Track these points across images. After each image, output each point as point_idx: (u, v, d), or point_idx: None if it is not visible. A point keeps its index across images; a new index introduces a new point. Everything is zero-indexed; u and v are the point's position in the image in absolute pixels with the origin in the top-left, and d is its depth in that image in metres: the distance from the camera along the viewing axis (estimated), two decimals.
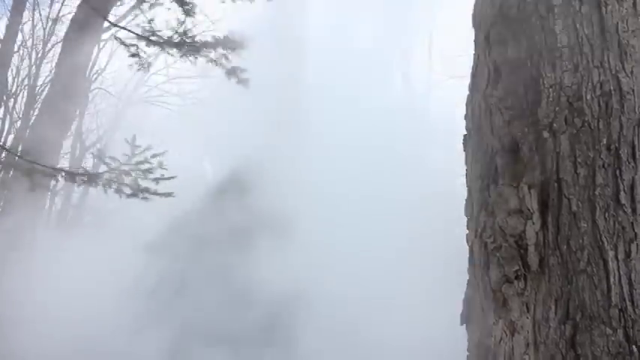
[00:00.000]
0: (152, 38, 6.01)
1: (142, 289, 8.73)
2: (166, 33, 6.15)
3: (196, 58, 6.30)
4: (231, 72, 6.30)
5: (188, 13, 5.98)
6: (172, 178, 6.22)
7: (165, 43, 6.06)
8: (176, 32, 6.02)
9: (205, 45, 6.11)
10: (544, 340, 1.34)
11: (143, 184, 6.08)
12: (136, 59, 6.28)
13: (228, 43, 6.14)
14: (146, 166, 6.03)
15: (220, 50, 6.19)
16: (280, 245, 8.41)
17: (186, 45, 6.04)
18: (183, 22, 6.03)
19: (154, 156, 6.10)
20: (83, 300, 7.86)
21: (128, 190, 6.06)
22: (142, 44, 6.16)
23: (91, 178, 6.05)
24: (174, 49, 6.14)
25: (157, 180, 6.11)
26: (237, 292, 8.30)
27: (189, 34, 6.08)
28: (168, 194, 6.24)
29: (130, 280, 8.72)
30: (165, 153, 6.25)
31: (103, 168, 6.25)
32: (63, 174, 6.05)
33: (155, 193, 6.15)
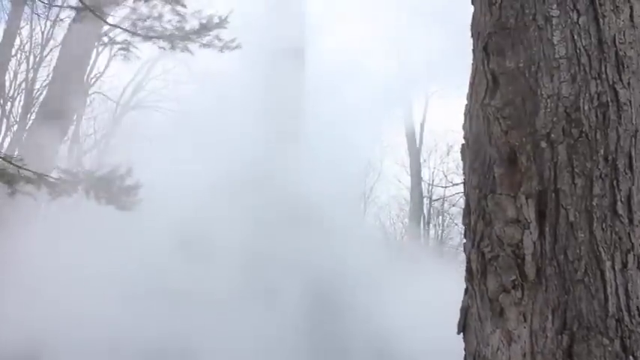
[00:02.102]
0: (140, 32, 6.05)
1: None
2: (155, 25, 6.18)
3: (187, 47, 6.34)
4: (224, 47, 6.36)
5: (178, 13, 6.03)
6: (138, 188, 6.22)
7: (155, 37, 6.09)
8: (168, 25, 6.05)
9: (194, 32, 6.15)
10: (541, 349, 1.35)
11: (115, 193, 6.12)
12: (124, 52, 6.32)
13: (215, 25, 6.19)
14: (113, 175, 6.07)
15: (210, 34, 6.23)
16: None
17: (176, 37, 6.08)
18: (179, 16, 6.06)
19: (116, 169, 6.15)
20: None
21: (105, 197, 6.10)
22: (134, 40, 6.19)
23: (69, 187, 6.08)
24: (165, 42, 6.19)
25: (124, 190, 6.14)
26: None
27: (179, 26, 6.12)
28: (134, 203, 6.25)
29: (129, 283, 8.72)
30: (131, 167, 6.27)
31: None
32: (44, 182, 6.06)
33: (123, 204, 6.17)
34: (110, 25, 6.17)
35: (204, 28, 6.14)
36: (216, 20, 6.21)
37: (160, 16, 6.25)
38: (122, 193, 6.14)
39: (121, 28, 6.20)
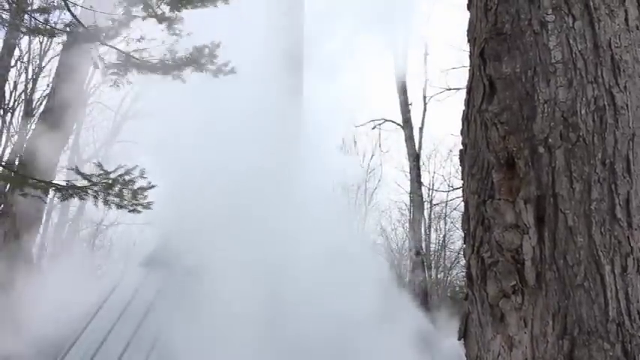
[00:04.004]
0: (134, 61, 6.12)
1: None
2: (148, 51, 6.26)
3: (180, 75, 6.40)
4: (217, 71, 6.42)
5: (175, 32, 6.09)
6: (153, 187, 6.27)
7: (144, 67, 6.15)
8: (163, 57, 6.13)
9: (185, 63, 6.22)
10: (542, 355, 1.34)
11: (127, 196, 6.15)
12: (115, 77, 6.37)
13: (207, 55, 6.25)
14: (126, 177, 6.11)
15: (202, 61, 6.30)
16: None
17: (168, 67, 6.15)
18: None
19: (130, 170, 6.18)
20: None
21: (116, 201, 6.12)
22: (127, 65, 6.24)
23: (79, 191, 6.10)
24: (158, 72, 6.26)
25: (138, 190, 6.17)
26: None
27: (172, 54, 6.19)
28: (148, 205, 6.29)
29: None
30: (137, 168, 6.31)
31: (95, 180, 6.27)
32: (53, 187, 6.09)
33: (137, 204, 6.20)
34: (106, 44, 6.20)
35: (198, 52, 6.21)
36: (208, 47, 6.30)
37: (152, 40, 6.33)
38: (133, 197, 6.17)
39: (116, 49, 6.24)
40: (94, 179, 6.07)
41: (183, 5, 5.96)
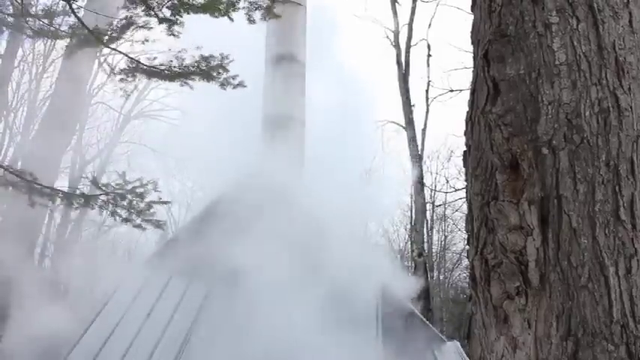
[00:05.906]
0: (143, 67, 6.11)
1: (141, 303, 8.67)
2: (155, 57, 6.25)
3: (187, 82, 6.38)
4: (225, 83, 6.40)
5: (173, 33, 6.07)
6: (167, 203, 6.26)
7: (153, 74, 6.15)
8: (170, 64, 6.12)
9: (193, 72, 6.21)
10: (546, 356, 1.34)
11: (138, 207, 6.13)
12: (123, 85, 6.37)
13: (215, 67, 6.25)
14: (140, 190, 6.09)
15: (212, 73, 6.29)
16: None
17: (176, 75, 6.14)
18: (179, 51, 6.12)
19: (145, 184, 6.16)
20: None
21: (124, 214, 6.10)
22: (132, 71, 6.24)
23: (88, 200, 6.08)
24: (166, 80, 6.26)
25: (151, 203, 6.14)
26: None
27: (179, 61, 6.18)
28: (159, 224, 6.26)
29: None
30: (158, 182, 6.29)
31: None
32: (60, 195, 6.06)
33: (147, 221, 6.17)
34: (110, 48, 6.20)
35: (205, 61, 6.19)
36: (218, 58, 6.27)
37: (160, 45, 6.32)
38: (147, 209, 6.14)
39: (120, 52, 6.24)
40: (109, 188, 6.04)
41: (185, 10, 5.94)
